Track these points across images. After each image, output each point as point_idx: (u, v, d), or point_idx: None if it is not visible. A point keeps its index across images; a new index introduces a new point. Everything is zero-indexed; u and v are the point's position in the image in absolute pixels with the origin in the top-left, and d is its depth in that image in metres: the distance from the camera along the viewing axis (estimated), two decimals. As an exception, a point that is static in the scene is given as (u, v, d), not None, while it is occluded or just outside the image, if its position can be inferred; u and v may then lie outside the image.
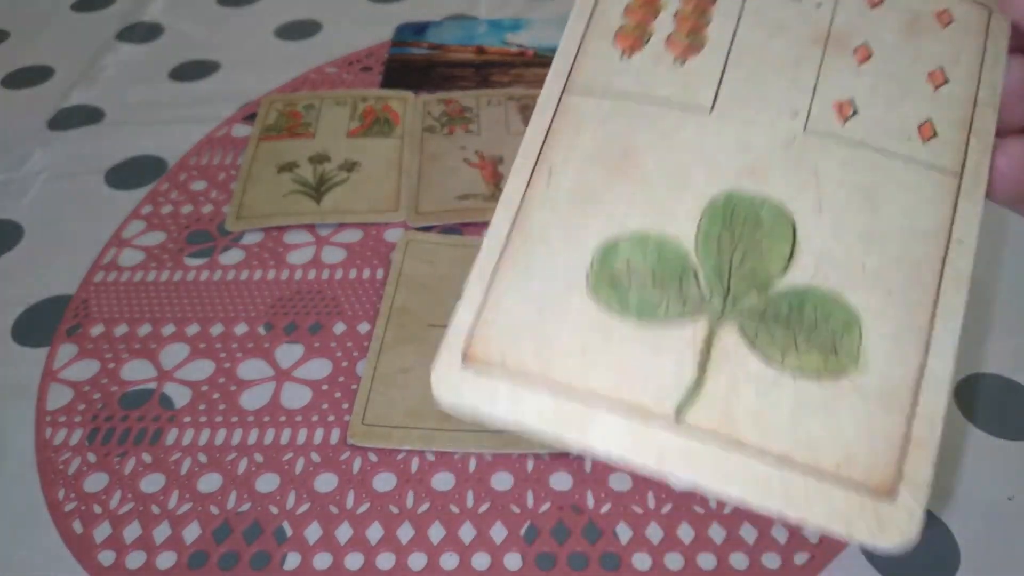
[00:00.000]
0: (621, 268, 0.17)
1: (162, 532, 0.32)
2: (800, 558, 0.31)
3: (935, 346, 0.16)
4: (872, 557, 0.31)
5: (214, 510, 0.33)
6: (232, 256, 0.44)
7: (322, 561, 0.31)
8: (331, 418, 0.36)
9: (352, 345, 0.39)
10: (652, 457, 0.15)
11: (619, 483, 0.33)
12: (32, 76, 0.58)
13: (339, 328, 0.40)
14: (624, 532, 0.31)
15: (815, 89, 0.18)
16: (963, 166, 0.17)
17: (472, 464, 0.34)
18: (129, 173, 0.49)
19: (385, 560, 0.31)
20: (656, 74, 0.18)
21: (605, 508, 0.32)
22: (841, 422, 0.15)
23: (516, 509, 0.32)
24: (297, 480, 0.33)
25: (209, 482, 0.34)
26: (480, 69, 0.57)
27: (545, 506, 0.32)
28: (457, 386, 0.16)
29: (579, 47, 0.19)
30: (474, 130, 0.51)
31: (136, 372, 0.38)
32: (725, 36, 0.18)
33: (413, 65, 0.57)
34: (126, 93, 0.56)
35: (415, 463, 0.34)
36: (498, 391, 0.16)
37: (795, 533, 0.31)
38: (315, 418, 0.36)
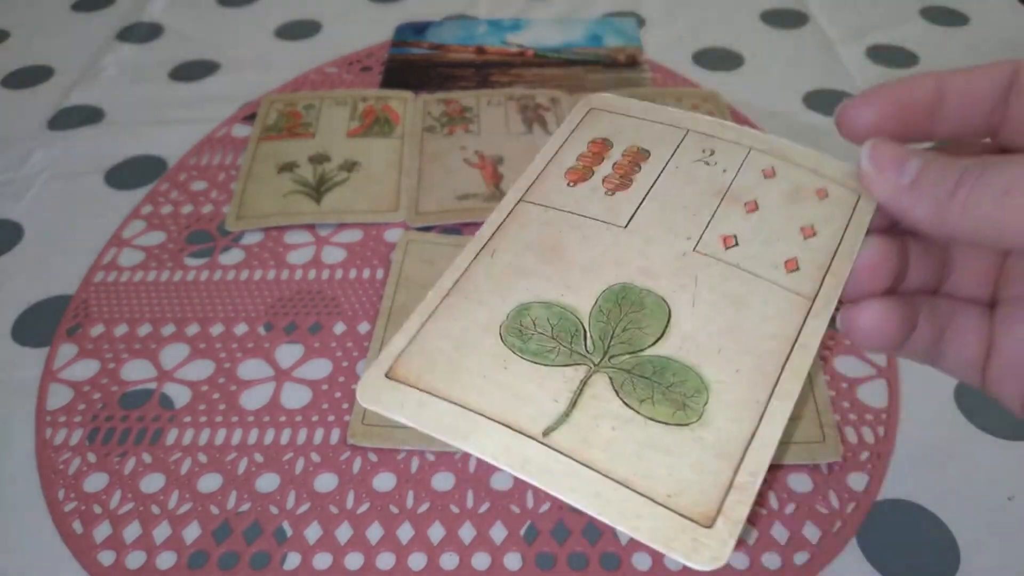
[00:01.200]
0: (528, 323, 0.22)
1: (162, 532, 0.32)
2: (800, 558, 0.31)
3: (768, 417, 0.20)
4: (872, 557, 0.31)
5: (214, 510, 0.33)
6: (232, 256, 0.44)
7: (322, 561, 0.31)
8: (331, 418, 0.36)
9: (352, 345, 0.39)
10: (517, 464, 0.19)
11: (619, 483, 0.33)
12: (32, 76, 0.58)
13: (339, 328, 0.40)
14: (624, 532, 0.31)
15: (708, 224, 0.23)
16: (816, 294, 0.22)
17: (472, 464, 0.34)
18: (129, 173, 0.49)
19: (385, 560, 0.31)
20: (590, 199, 0.24)
21: (605, 508, 0.32)
22: (678, 462, 0.19)
23: (516, 509, 0.32)
24: (297, 480, 0.33)
25: (209, 482, 0.34)
26: (480, 69, 0.57)
27: (545, 506, 0.32)
28: (377, 393, 0.21)
29: (538, 175, 0.25)
30: (474, 130, 0.51)
31: (136, 372, 0.38)
32: (648, 181, 0.25)
33: (413, 65, 0.57)
34: (126, 93, 0.56)
35: (415, 463, 0.34)
36: (407, 400, 0.21)
37: (795, 533, 0.31)
38: (315, 418, 0.36)
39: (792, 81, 0.55)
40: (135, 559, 0.31)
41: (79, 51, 0.60)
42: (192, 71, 0.58)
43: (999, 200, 0.18)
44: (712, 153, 0.25)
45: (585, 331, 0.22)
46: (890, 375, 0.37)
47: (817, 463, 0.33)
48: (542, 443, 0.19)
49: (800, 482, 0.33)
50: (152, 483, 0.34)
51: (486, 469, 0.34)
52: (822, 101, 0.53)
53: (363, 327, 0.39)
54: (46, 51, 0.60)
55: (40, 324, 0.40)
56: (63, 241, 0.45)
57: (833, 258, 0.22)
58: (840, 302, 0.22)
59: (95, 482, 0.34)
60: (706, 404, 0.20)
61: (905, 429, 0.35)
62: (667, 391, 0.20)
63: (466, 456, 0.34)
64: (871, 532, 0.31)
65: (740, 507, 0.18)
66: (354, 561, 0.31)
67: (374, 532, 0.32)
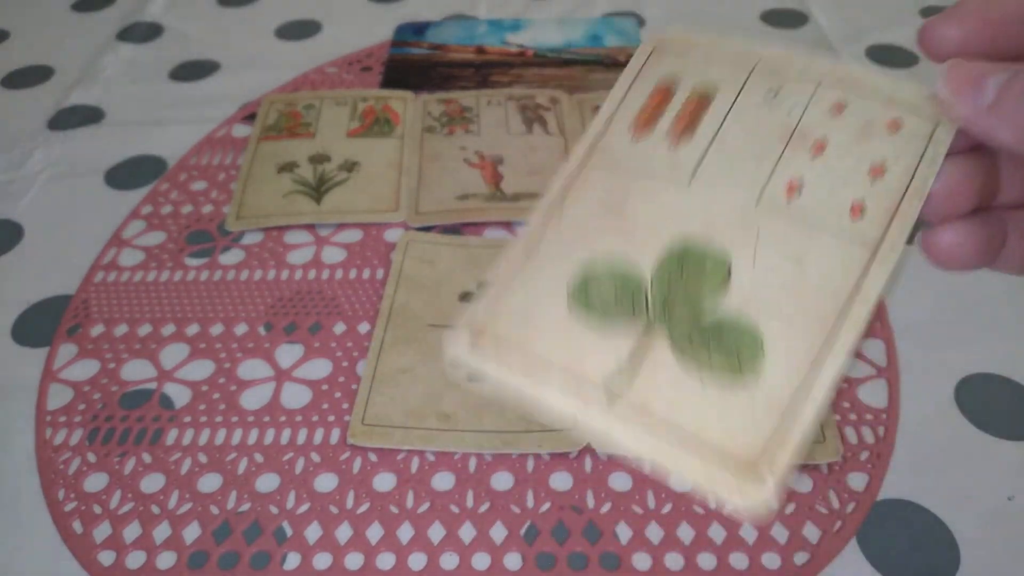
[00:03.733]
0: (594, 283, 0.23)
1: (162, 532, 0.32)
2: (800, 558, 0.31)
3: (822, 370, 0.20)
4: (872, 557, 0.31)
5: (214, 510, 0.33)
6: (232, 256, 0.44)
7: (322, 561, 0.31)
8: (331, 418, 0.36)
9: (352, 345, 0.39)
10: (579, 407, 0.21)
11: (619, 483, 0.33)
12: (32, 76, 0.58)
13: (339, 328, 0.40)
14: (624, 532, 0.31)
15: (772, 173, 0.23)
16: (881, 240, 0.21)
17: (472, 464, 0.34)
18: (129, 173, 0.49)
19: (385, 560, 0.31)
20: (654, 154, 0.24)
21: (605, 508, 0.32)
22: (731, 413, 0.20)
23: (516, 509, 0.32)
24: (297, 480, 0.33)
25: (209, 482, 0.34)
26: (480, 69, 0.57)
27: (545, 506, 0.32)
28: (463, 352, 0.22)
29: (604, 129, 0.25)
30: (474, 130, 0.51)
31: (136, 372, 0.38)
32: (712, 129, 0.24)
33: (413, 65, 0.57)
34: (126, 93, 0.56)
35: (415, 463, 0.34)
36: (487, 359, 0.22)
37: (795, 533, 0.31)
38: (315, 418, 0.36)
39: (792, 81, 0.55)
40: (135, 559, 0.31)
41: (79, 51, 0.60)
42: (192, 71, 0.58)
43: None
44: (777, 93, 0.24)
45: (647, 290, 0.22)
46: (890, 375, 0.37)
47: (817, 463, 0.33)
48: (603, 397, 0.21)
49: (800, 482, 0.33)
50: (152, 483, 0.34)
51: (486, 469, 0.34)
52: (822, 101, 0.53)
53: (363, 327, 0.39)
54: (46, 51, 0.60)
55: (40, 324, 0.40)
56: (63, 241, 0.45)
57: (903, 198, 0.21)
58: (917, 228, 0.21)
59: (95, 482, 0.34)
60: (761, 360, 0.21)
61: (905, 429, 0.35)
62: (724, 349, 0.21)
63: (466, 456, 0.34)
64: (871, 532, 0.31)
65: (786, 456, 0.19)
66: (354, 561, 0.31)
67: (374, 532, 0.32)
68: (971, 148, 0.21)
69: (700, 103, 0.24)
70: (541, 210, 0.24)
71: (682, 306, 0.22)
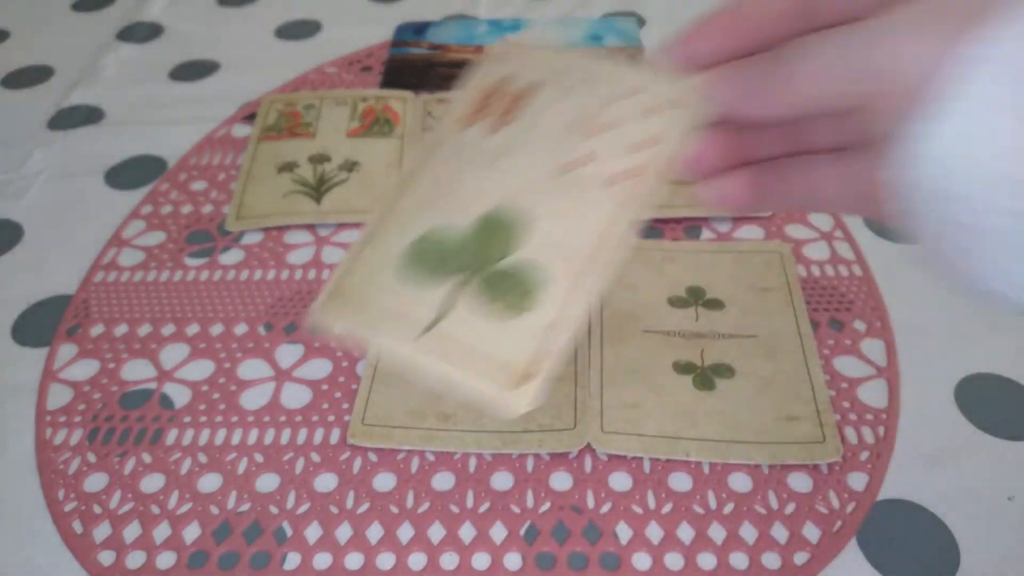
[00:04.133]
0: (422, 249, 0.27)
1: (162, 532, 0.32)
2: (800, 558, 0.31)
3: (582, 296, 0.25)
4: (872, 557, 0.31)
5: (214, 510, 0.33)
6: (232, 256, 0.44)
7: (322, 561, 0.31)
8: (331, 418, 0.36)
9: (352, 345, 0.39)
10: (398, 359, 0.26)
11: (619, 483, 0.33)
12: (32, 76, 0.58)
13: (339, 328, 0.39)
14: (624, 532, 0.31)
15: (572, 147, 0.28)
16: (635, 196, 0.26)
17: (472, 464, 0.34)
18: (129, 173, 0.49)
19: (385, 560, 0.31)
20: (473, 144, 0.29)
21: (605, 508, 0.32)
22: (516, 339, 0.25)
23: (516, 509, 0.32)
24: (297, 480, 0.33)
25: (209, 482, 0.34)
26: (480, 69, 0.57)
27: (545, 506, 0.32)
28: (322, 316, 0.27)
29: (441, 126, 0.30)
30: (474, 130, 0.51)
31: (136, 372, 0.38)
32: (527, 116, 0.29)
33: (413, 65, 0.57)
34: (126, 93, 0.56)
35: (415, 463, 0.34)
36: (335, 311, 0.27)
37: (795, 533, 0.31)
38: (315, 418, 0.36)
39: (792, 81, 0.55)
40: (135, 559, 0.31)
41: (79, 51, 0.60)
42: (192, 71, 0.58)
43: (796, 74, 0.22)
44: (576, 87, 0.30)
45: (464, 249, 0.27)
46: (890, 375, 0.37)
47: (817, 463, 0.33)
48: (427, 331, 0.26)
49: (800, 482, 0.33)
50: (152, 483, 0.34)
51: (486, 469, 0.34)
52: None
53: (363, 327, 0.39)
54: (46, 51, 0.60)
55: (40, 324, 0.40)
56: (63, 241, 0.45)
57: (661, 163, 0.27)
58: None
59: (95, 482, 0.34)
60: (541, 293, 0.26)
61: (905, 429, 0.35)
62: (514, 288, 0.27)
63: (466, 456, 0.34)
64: (871, 532, 0.31)
65: (549, 365, 0.25)
66: (354, 561, 0.31)
67: (374, 532, 0.32)
68: (718, 122, 0.25)
69: (517, 98, 0.30)
70: (383, 199, 0.29)
71: (489, 258, 0.27)
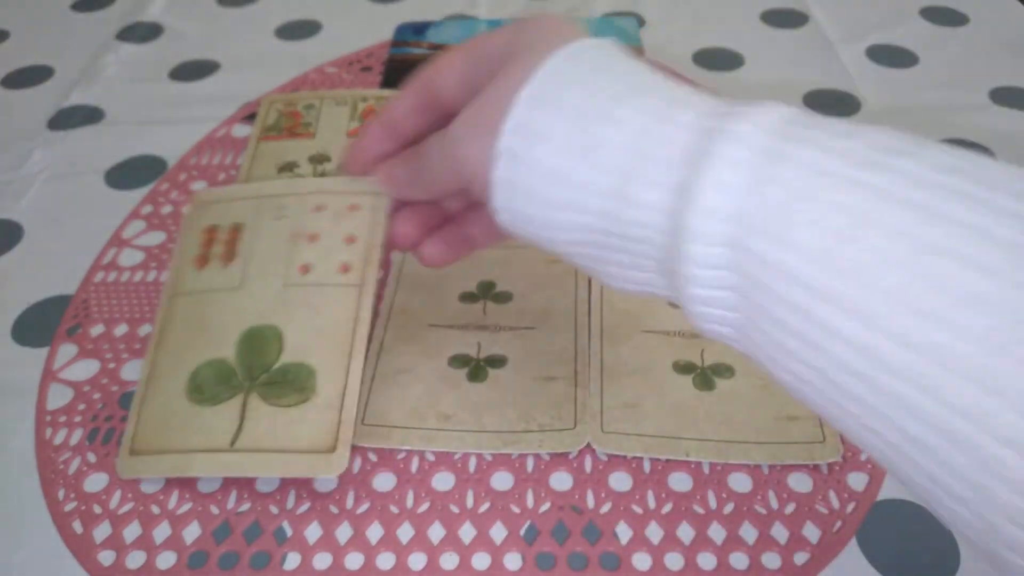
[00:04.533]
0: (199, 381, 0.33)
1: (162, 532, 0.32)
2: (800, 558, 0.31)
3: (351, 373, 0.32)
4: (872, 557, 0.31)
5: (214, 510, 0.33)
6: (232, 256, 0.43)
7: (322, 561, 0.31)
8: (331, 418, 0.36)
9: (352, 345, 0.39)
10: (220, 470, 0.32)
11: (619, 483, 0.33)
12: (32, 76, 0.58)
13: (339, 328, 0.39)
14: (624, 532, 0.31)
15: (288, 261, 0.34)
16: (363, 281, 0.34)
17: (472, 464, 0.34)
18: (129, 173, 0.49)
19: (385, 560, 0.31)
20: (213, 275, 0.35)
21: (605, 508, 0.32)
22: (308, 423, 0.32)
23: (516, 509, 0.32)
24: (297, 480, 0.33)
25: (209, 482, 0.34)
26: (480, 69, 0.57)
27: (545, 506, 0.32)
28: (130, 467, 0.33)
29: (177, 269, 0.36)
30: (474, 130, 0.51)
31: (136, 372, 0.38)
32: (247, 248, 0.35)
33: (413, 65, 0.57)
34: (126, 93, 0.56)
35: (415, 463, 0.34)
36: (148, 465, 0.33)
37: (795, 533, 0.31)
38: (315, 418, 0.36)
39: (792, 81, 0.55)
40: (135, 559, 0.31)
41: (79, 51, 0.60)
42: (192, 71, 0.58)
43: (424, 170, 0.30)
44: (282, 209, 0.36)
45: (234, 370, 0.33)
46: (890, 375, 0.37)
47: (817, 463, 0.33)
48: (230, 451, 0.31)
49: (800, 482, 0.33)
50: (152, 483, 0.33)
51: (486, 469, 0.34)
52: (822, 101, 0.53)
53: (363, 327, 0.39)
54: (46, 51, 0.60)
55: (40, 324, 0.40)
56: (63, 241, 0.45)
57: (370, 251, 0.34)
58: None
59: (95, 482, 0.34)
60: (315, 381, 0.32)
61: (905, 429, 0.35)
62: (292, 385, 0.32)
63: (466, 456, 0.34)
64: (871, 532, 0.31)
65: (347, 434, 0.31)
66: (354, 561, 0.31)
67: (374, 532, 0.32)
68: (403, 203, 0.32)
69: (235, 233, 0.36)
70: (148, 348, 0.35)
71: (258, 368, 0.33)
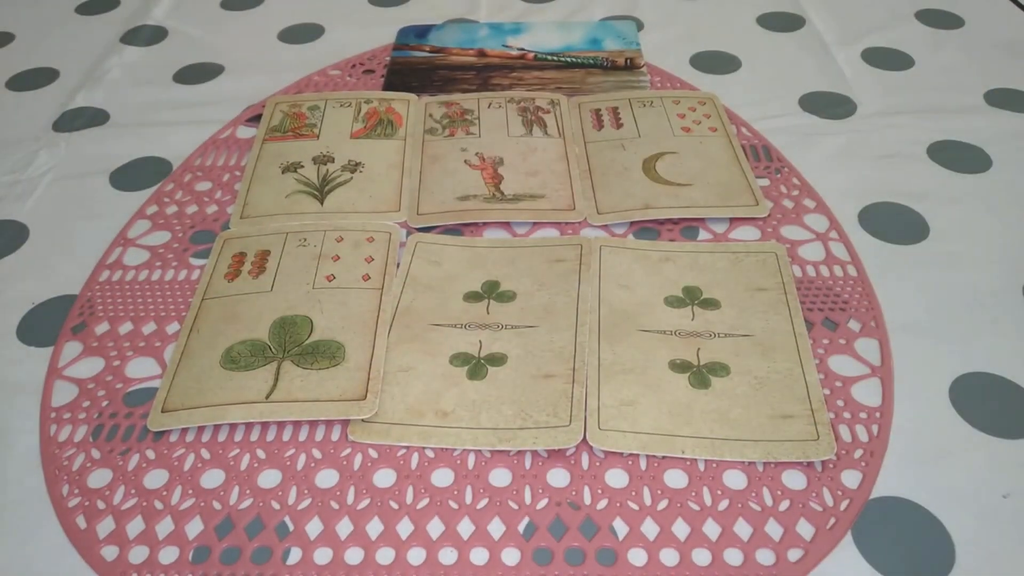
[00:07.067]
0: (235, 355, 0.38)
1: (165, 527, 0.32)
2: (794, 554, 0.31)
3: (376, 350, 0.38)
4: (867, 554, 0.31)
5: (216, 505, 0.33)
6: (235, 256, 0.44)
7: (323, 556, 0.31)
8: (332, 415, 0.36)
9: (353, 344, 0.39)
10: (256, 417, 0.35)
11: (615, 480, 0.33)
12: (37, 78, 0.59)
13: (340, 327, 0.40)
14: (620, 528, 0.32)
15: (316, 274, 0.42)
16: (382, 287, 0.41)
17: (471, 461, 0.34)
18: (134, 174, 0.50)
19: (385, 555, 0.31)
20: (243, 284, 0.41)
21: (602, 504, 0.33)
22: (339, 380, 0.36)
23: (514, 505, 0.33)
24: (299, 476, 0.34)
25: (211, 478, 0.34)
26: (481, 72, 0.58)
27: (543, 502, 0.33)
28: (161, 421, 0.36)
29: (208, 282, 0.42)
30: (475, 132, 0.51)
31: (140, 370, 0.38)
32: (274, 264, 0.42)
33: (415, 68, 0.58)
34: (131, 95, 0.56)
35: (415, 459, 0.34)
36: (181, 418, 0.36)
37: (789, 530, 0.32)
38: (316, 415, 0.36)
39: (788, 83, 0.55)
40: (138, 554, 0.32)
41: (84, 54, 0.61)
42: (196, 74, 0.58)
43: None
44: (306, 239, 0.44)
45: (268, 345, 0.38)
46: (884, 374, 0.37)
47: (811, 461, 0.33)
48: (266, 402, 0.36)
49: (794, 479, 0.33)
50: (155, 479, 0.34)
51: (485, 465, 0.34)
52: (817, 103, 0.53)
53: (364, 326, 0.40)
54: (51, 54, 0.61)
55: (45, 323, 0.41)
56: (68, 241, 0.45)
57: (386, 264, 0.42)
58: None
59: (99, 478, 0.34)
60: (344, 352, 0.37)
61: (899, 427, 0.35)
62: (323, 355, 0.37)
63: (465, 453, 0.34)
64: (865, 529, 0.32)
65: (376, 384, 0.36)
66: (354, 556, 0.31)
67: (374, 527, 0.32)
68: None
69: (261, 256, 0.43)
70: (180, 334, 0.39)
71: (291, 344, 0.38)
